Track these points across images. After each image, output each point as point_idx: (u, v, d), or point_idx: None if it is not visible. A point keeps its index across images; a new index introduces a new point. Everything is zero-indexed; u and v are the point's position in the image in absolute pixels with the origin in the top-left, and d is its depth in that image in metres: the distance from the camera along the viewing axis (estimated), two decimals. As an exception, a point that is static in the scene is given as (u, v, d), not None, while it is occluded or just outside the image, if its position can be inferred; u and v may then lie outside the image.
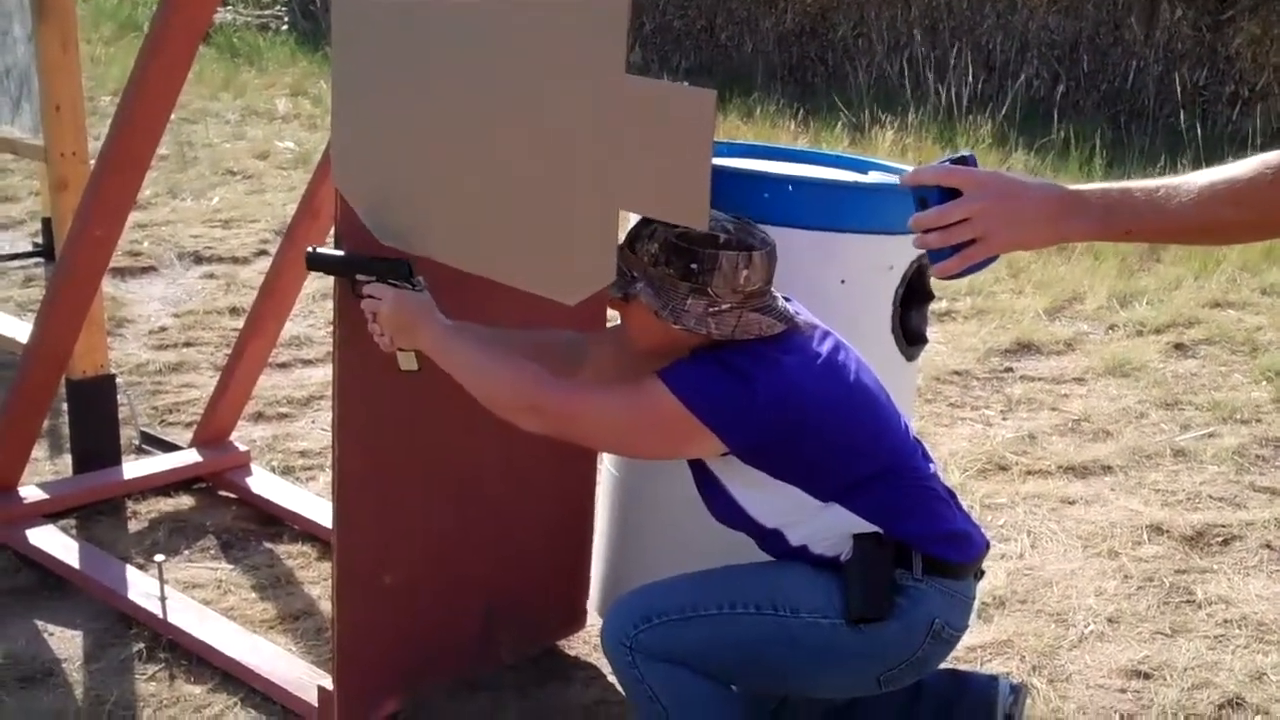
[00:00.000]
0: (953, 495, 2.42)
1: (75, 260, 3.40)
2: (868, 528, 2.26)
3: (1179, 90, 9.83)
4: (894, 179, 3.00)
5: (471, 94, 2.17)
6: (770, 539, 2.33)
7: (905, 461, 2.33)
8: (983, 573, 2.42)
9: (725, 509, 2.35)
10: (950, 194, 1.78)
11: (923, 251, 1.86)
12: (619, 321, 2.42)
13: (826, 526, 2.27)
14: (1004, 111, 9.57)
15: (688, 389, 2.17)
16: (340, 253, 2.47)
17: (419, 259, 2.37)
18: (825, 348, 2.29)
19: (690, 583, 2.41)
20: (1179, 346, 5.84)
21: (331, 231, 2.66)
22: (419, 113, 2.26)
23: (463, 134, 2.21)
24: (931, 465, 2.40)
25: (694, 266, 2.18)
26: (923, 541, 2.27)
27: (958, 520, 2.35)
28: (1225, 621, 3.50)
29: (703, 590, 2.36)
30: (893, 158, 8.21)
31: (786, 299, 2.34)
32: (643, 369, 2.28)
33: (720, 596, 2.33)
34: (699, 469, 2.36)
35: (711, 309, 2.20)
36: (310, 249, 2.51)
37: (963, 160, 1.82)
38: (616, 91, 1.97)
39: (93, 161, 3.60)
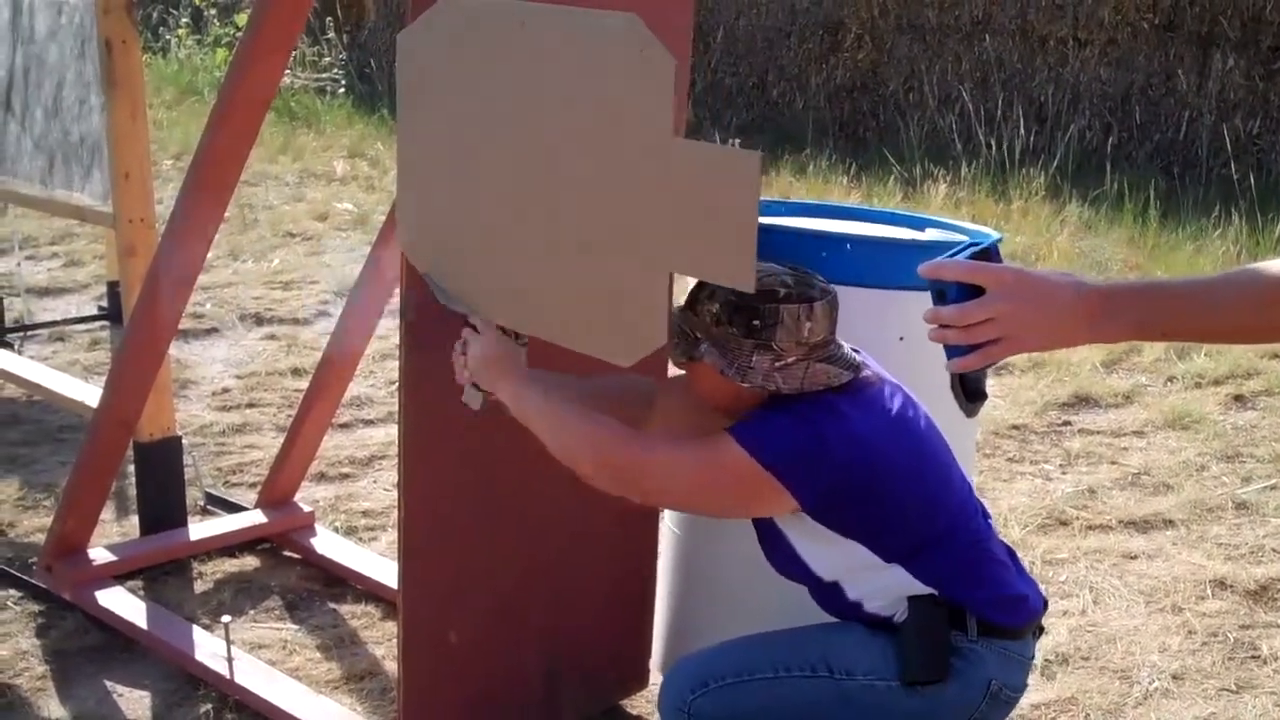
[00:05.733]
0: (1012, 555, 2.41)
1: (144, 326, 3.46)
2: (924, 590, 2.26)
3: (1232, 140, 9.79)
4: (952, 236, 3.02)
5: (527, 155, 2.20)
6: (827, 592, 2.33)
7: (966, 523, 2.32)
8: (1043, 629, 2.42)
9: (785, 561, 2.35)
10: (972, 288, 1.71)
11: None
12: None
13: (884, 585, 2.27)
14: (1056, 163, 9.55)
15: (761, 446, 2.16)
16: None
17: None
18: (895, 404, 2.29)
19: (745, 646, 2.41)
20: (1238, 398, 5.79)
21: (397, 293, 2.70)
22: (479, 173, 2.29)
23: (519, 195, 2.24)
24: (991, 524, 2.39)
25: (756, 323, 2.18)
26: (978, 605, 2.26)
27: (1015, 583, 2.34)
28: (1292, 677, 3.47)
29: (758, 653, 2.36)
30: (945, 212, 8.20)
31: (856, 351, 2.34)
32: (713, 419, 2.29)
33: (775, 659, 2.33)
34: (762, 519, 2.36)
35: (778, 364, 2.19)
36: None
37: (985, 253, 1.76)
38: (664, 153, 1.99)
39: (159, 226, 3.67)
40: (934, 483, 2.30)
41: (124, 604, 3.57)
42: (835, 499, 2.20)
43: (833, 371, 2.22)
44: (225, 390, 5.59)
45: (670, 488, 2.28)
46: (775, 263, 2.24)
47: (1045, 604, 2.39)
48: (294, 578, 3.92)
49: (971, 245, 1.80)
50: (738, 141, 9.95)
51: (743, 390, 2.23)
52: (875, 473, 2.20)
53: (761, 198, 1.99)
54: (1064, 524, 4.46)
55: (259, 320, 6.62)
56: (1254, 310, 1.64)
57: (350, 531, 4.25)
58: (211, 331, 6.41)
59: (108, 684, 3.31)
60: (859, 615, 2.32)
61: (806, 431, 2.17)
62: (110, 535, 4.10)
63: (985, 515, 2.40)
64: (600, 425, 2.25)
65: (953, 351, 1.74)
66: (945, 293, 1.72)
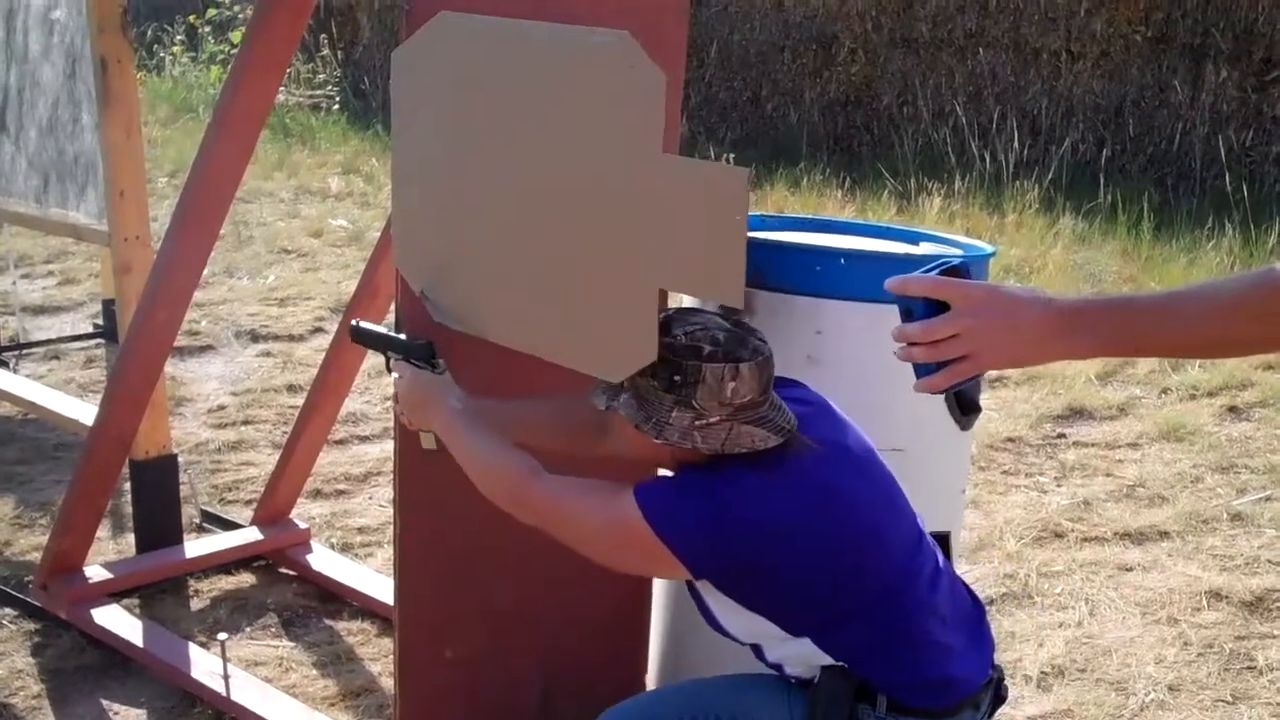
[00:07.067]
0: (971, 620, 2.29)
1: (140, 344, 3.47)
2: (835, 662, 2.17)
3: (1225, 152, 9.80)
4: (946, 250, 3.02)
5: (519, 172, 2.21)
6: (752, 650, 2.28)
7: (897, 599, 2.18)
8: (1002, 698, 2.31)
9: (709, 619, 2.28)
10: (940, 305, 1.66)
11: None
12: None
13: (796, 654, 2.20)
14: (1050, 176, 9.56)
15: (659, 514, 2.07)
16: (376, 329, 2.52)
17: (461, 338, 2.40)
18: (828, 473, 2.16)
19: (666, 693, 2.47)
20: (1233, 409, 5.79)
21: (391, 309, 2.71)
22: (472, 191, 2.30)
23: (512, 212, 2.24)
24: (938, 590, 2.24)
25: (677, 379, 2.07)
26: (889, 687, 2.17)
27: (945, 664, 2.21)
28: (1288, 688, 3.47)
29: (673, 700, 2.39)
30: (940, 225, 8.21)
31: (802, 399, 2.25)
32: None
33: (688, 707, 2.33)
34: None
35: (698, 422, 2.07)
36: (354, 322, 2.56)
37: (954, 270, 1.70)
38: (652, 169, 1.99)
39: (155, 244, 3.68)
40: (859, 557, 2.16)
41: (120, 622, 3.57)
42: (732, 576, 2.12)
43: (759, 435, 2.09)
44: (221, 407, 5.59)
45: (577, 538, 2.20)
46: (720, 317, 2.14)
47: (991, 679, 2.27)
48: (290, 595, 3.92)
49: (941, 263, 1.75)
50: (732, 156, 9.97)
51: (659, 445, 2.13)
52: (784, 557, 2.09)
53: (756, 212, 1.99)
54: (1059, 536, 4.46)
55: (254, 337, 6.62)
56: (1220, 324, 1.58)
57: (346, 548, 4.25)
58: (207, 349, 6.41)
59: (104, 702, 3.31)
60: (782, 675, 2.27)
61: (711, 506, 2.08)
62: (106, 553, 4.10)
63: (936, 576, 2.25)
64: (519, 463, 2.20)
65: (921, 370, 1.70)
66: (912, 310, 1.68)
